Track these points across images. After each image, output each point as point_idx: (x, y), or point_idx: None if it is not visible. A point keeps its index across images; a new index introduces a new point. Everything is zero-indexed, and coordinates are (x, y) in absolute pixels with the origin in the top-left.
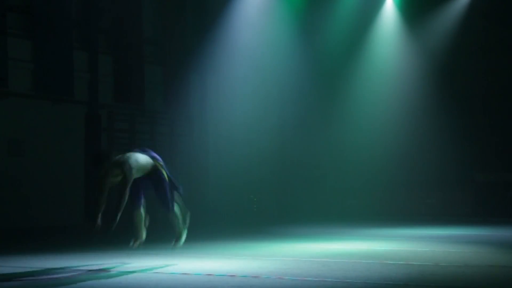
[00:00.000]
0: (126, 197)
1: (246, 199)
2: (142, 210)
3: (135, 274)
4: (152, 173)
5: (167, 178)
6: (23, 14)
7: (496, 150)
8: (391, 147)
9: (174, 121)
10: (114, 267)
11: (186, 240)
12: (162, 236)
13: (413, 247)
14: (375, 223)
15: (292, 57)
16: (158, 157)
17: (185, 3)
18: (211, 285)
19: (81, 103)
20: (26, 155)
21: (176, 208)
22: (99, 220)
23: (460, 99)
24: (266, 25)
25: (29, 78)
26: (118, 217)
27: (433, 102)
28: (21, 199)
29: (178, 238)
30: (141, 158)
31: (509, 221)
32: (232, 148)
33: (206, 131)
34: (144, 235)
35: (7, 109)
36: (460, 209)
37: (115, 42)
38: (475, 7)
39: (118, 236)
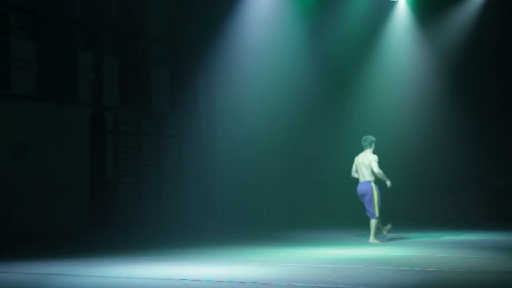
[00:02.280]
0: None
1: (256, 203)
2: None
3: (142, 281)
4: None
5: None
6: (26, 14)
7: (509, 153)
8: (404, 150)
9: (182, 123)
10: (120, 273)
11: (195, 245)
12: (170, 242)
13: (427, 252)
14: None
15: (302, 57)
16: None
17: (192, 3)
18: None
19: (86, 105)
20: (30, 158)
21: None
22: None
23: (475, 100)
24: (275, 24)
25: (32, 80)
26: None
27: (447, 104)
28: (24, 203)
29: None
30: None
31: None
32: (241, 150)
33: (214, 133)
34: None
35: (10, 111)
36: (475, 213)
37: (121, 43)
38: (489, 6)
39: (124, 242)
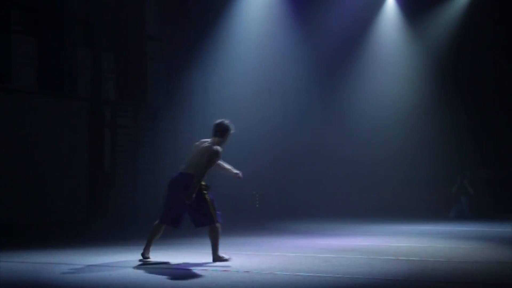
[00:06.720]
0: None
1: (248, 195)
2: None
3: (138, 269)
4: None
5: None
6: (27, 11)
7: (496, 147)
8: (392, 143)
9: (177, 118)
10: (118, 263)
11: (189, 236)
12: (164, 233)
13: (415, 243)
14: (376, 219)
15: (294, 53)
16: None
17: (188, 0)
18: (213, 280)
19: (84, 100)
20: (30, 151)
21: None
22: None
23: (462, 95)
24: (268, 21)
25: (33, 75)
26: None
27: (435, 99)
28: (24, 195)
29: None
30: None
31: (509, 217)
32: (234, 144)
33: (208, 127)
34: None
35: (11, 105)
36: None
37: (118, 39)
38: (475, 4)
39: (122, 232)
